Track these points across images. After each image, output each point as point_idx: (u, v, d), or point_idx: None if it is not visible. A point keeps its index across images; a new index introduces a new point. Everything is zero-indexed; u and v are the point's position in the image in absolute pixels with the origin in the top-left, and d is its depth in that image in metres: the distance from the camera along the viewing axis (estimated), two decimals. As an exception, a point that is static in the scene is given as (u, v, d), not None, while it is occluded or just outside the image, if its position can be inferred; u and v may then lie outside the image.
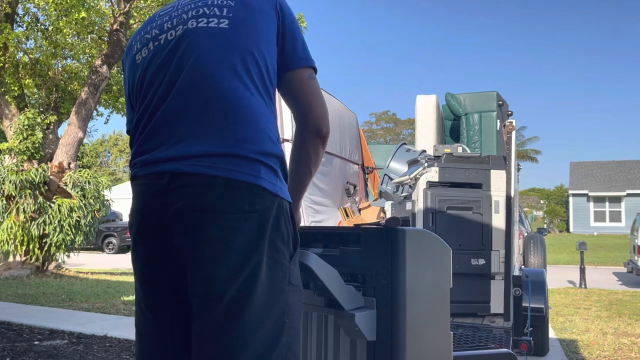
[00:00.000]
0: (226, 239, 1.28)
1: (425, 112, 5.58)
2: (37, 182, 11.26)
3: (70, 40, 12.40)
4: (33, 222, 11.06)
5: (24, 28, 12.68)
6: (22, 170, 11.39)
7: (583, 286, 10.98)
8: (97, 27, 12.47)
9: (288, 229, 1.38)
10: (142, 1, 12.47)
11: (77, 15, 10.76)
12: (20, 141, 11.64)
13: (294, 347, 1.33)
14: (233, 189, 1.30)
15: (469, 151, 4.57)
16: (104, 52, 11.93)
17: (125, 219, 22.71)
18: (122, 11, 11.87)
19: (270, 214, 1.33)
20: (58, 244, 11.03)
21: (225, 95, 1.35)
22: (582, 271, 11.12)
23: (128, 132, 1.57)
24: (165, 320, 1.40)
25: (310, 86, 1.52)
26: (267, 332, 1.28)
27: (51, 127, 12.76)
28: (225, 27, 1.42)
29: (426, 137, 5.51)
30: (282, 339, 1.30)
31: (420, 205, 3.64)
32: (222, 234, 1.28)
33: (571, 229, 35.98)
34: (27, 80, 13.11)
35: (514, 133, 3.43)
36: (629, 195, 33.76)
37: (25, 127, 11.67)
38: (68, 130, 11.75)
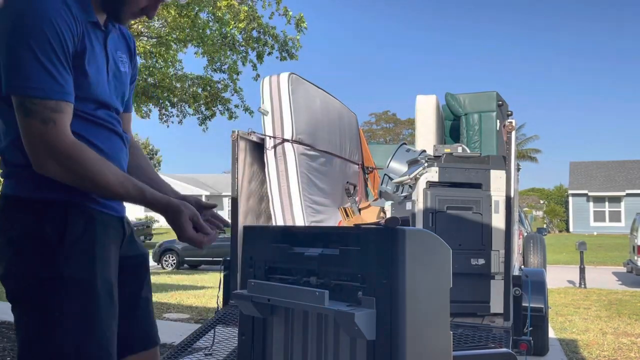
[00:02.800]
0: None
1: (425, 112, 5.59)
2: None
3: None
4: (33, 222, 11.04)
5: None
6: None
7: (583, 286, 10.98)
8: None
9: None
10: (142, 1, 12.46)
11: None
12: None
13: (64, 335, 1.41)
14: None
15: (469, 151, 4.58)
16: (104, 52, 11.92)
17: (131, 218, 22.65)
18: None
19: None
20: (58, 243, 11.01)
21: None
22: (582, 271, 11.13)
23: None
24: None
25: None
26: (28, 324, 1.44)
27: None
28: None
29: (426, 137, 5.52)
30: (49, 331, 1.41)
31: (420, 205, 3.65)
32: None
33: (571, 229, 35.97)
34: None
35: (513, 133, 3.43)
36: (628, 195, 33.75)
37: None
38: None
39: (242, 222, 3.98)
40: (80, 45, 1.43)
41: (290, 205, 4.30)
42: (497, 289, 3.50)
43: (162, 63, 10.48)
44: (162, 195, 1.51)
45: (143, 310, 1.71)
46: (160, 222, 32.70)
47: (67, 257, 1.42)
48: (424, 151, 4.94)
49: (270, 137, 4.35)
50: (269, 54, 14.64)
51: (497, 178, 3.61)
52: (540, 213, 39.64)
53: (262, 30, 14.26)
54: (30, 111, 1.34)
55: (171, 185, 1.77)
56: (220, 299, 3.85)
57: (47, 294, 1.41)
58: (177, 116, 11.92)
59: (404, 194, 4.57)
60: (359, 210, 5.33)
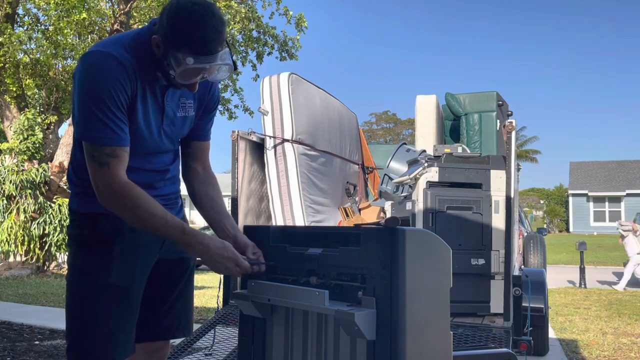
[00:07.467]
0: None
1: (425, 112, 5.59)
2: (37, 182, 11.26)
3: (70, 41, 12.39)
4: (33, 222, 11.06)
5: (25, 28, 12.67)
6: (23, 170, 11.39)
7: (583, 286, 10.98)
8: (97, 28, 12.46)
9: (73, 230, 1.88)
10: (142, 1, 12.46)
11: (77, 16, 10.75)
12: (21, 141, 11.64)
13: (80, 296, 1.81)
14: None
15: (469, 151, 4.57)
16: (104, 52, 11.90)
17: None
18: (122, 11, 11.87)
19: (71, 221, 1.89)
20: (58, 243, 11.04)
21: None
22: (582, 271, 11.12)
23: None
24: None
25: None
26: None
27: (51, 127, 12.75)
28: None
29: (426, 137, 5.52)
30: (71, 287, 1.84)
31: (420, 205, 3.65)
32: None
33: (571, 229, 35.95)
34: (28, 80, 13.09)
35: (513, 133, 3.43)
36: (628, 195, 33.72)
37: (25, 127, 11.67)
38: (68, 130, 11.74)
39: (242, 222, 3.99)
40: (133, 101, 1.71)
41: (290, 205, 4.30)
42: (497, 289, 3.50)
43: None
44: (198, 232, 1.74)
45: (169, 306, 1.97)
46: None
47: (85, 253, 1.82)
48: (424, 151, 4.94)
49: (270, 137, 4.35)
50: (269, 54, 14.66)
51: (497, 178, 3.61)
52: (540, 213, 39.61)
53: (262, 30, 14.28)
54: (92, 156, 1.67)
55: (233, 221, 1.97)
56: (220, 299, 3.85)
57: (69, 277, 1.84)
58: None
59: (404, 194, 4.57)
60: (359, 210, 5.33)
